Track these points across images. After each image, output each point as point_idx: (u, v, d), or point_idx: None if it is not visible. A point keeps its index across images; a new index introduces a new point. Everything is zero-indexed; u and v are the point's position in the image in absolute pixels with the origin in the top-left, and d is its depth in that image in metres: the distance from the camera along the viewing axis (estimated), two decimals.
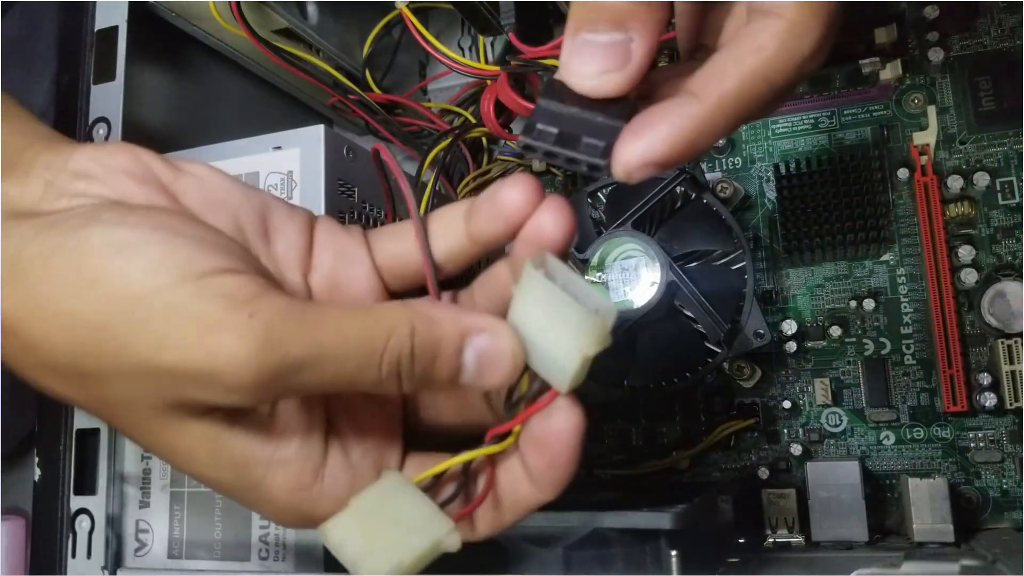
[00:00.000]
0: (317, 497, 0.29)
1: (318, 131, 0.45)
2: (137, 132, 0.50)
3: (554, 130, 0.28)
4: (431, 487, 0.29)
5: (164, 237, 0.27)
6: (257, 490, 0.28)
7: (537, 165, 0.63)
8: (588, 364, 0.27)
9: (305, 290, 0.32)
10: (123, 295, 0.25)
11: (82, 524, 0.47)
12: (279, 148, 0.46)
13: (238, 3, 0.50)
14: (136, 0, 0.51)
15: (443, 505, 0.28)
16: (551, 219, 0.29)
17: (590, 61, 0.28)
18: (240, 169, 0.47)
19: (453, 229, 0.32)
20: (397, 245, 0.33)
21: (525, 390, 0.28)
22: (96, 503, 0.47)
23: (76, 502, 0.48)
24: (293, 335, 0.25)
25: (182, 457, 0.28)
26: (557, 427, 0.28)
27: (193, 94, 0.57)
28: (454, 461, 0.29)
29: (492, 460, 0.29)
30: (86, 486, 0.48)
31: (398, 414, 0.33)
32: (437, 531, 0.27)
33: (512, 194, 0.30)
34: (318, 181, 0.45)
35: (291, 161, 0.45)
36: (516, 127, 0.60)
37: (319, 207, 0.44)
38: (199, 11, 0.52)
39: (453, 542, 0.27)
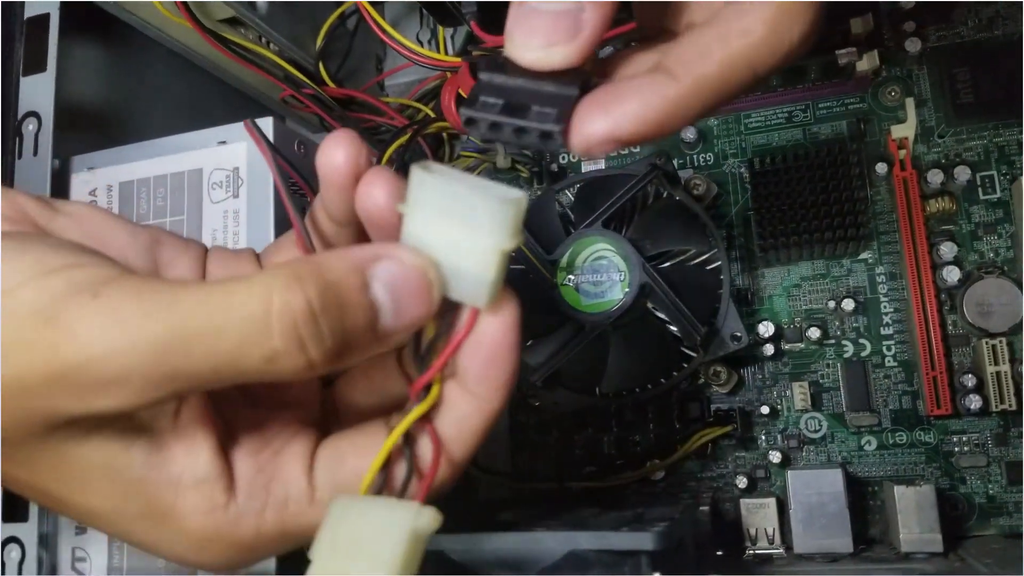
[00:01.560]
0: (236, 516, 0.25)
1: (266, 123, 0.42)
2: (70, 127, 0.46)
3: (500, 101, 0.25)
4: (382, 482, 0.26)
5: (16, 245, 0.23)
6: (168, 520, 0.24)
7: (501, 161, 0.60)
8: (506, 264, 0.24)
9: None
10: None
11: (11, 554, 0.43)
12: (224, 143, 0.43)
13: None
14: None
15: (403, 490, 0.26)
16: (378, 188, 0.26)
17: (537, 31, 0.25)
18: (182, 166, 0.43)
19: (319, 214, 0.30)
20: (286, 255, 0.30)
21: (434, 331, 0.25)
22: (27, 531, 0.43)
23: (5, 530, 0.44)
24: (146, 312, 0.21)
25: (79, 493, 0.25)
26: (489, 317, 0.25)
27: (132, 87, 0.54)
28: (389, 443, 0.26)
29: (427, 417, 0.26)
30: (16, 513, 0.44)
31: (307, 384, 0.30)
32: (405, 522, 0.23)
33: (327, 154, 0.27)
34: (267, 178, 0.41)
35: (237, 157, 0.42)
36: None
37: (267, 206, 0.41)
38: None
39: (427, 521, 0.24)
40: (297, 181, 0.38)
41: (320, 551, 0.23)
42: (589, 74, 0.26)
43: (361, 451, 0.27)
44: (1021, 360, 0.52)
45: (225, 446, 0.26)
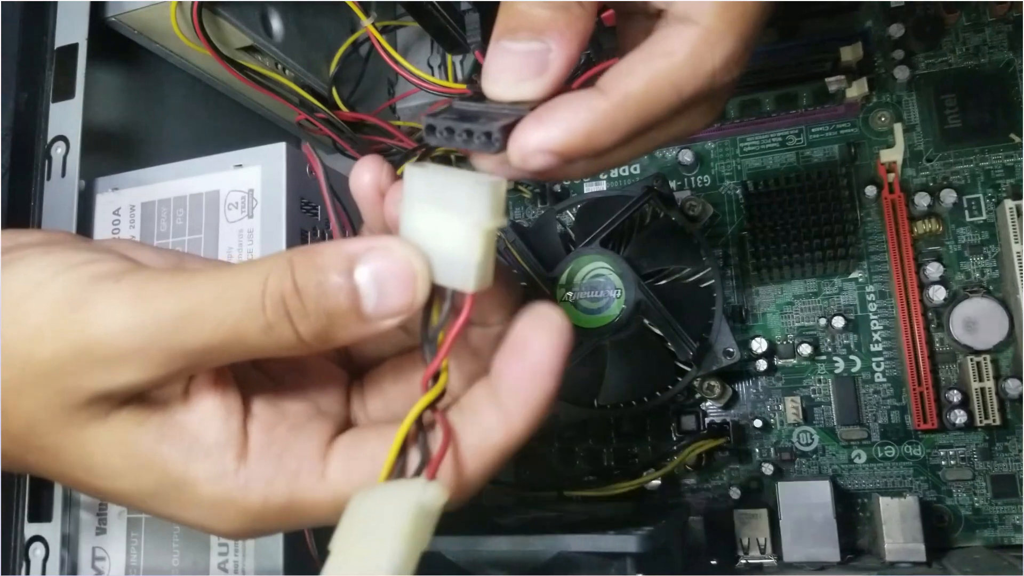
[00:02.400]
0: (245, 482, 0.27)
1: (279, 149, 0.45)
2: (96, 149, 0.49)
3: (459, 116, 0.28)
4: (399, 471, 0.26)
5: (41, 248, 0.27)
6: (181, 489, 0.27)
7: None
8: (492, 245, 0.25)
9: None
10: (7, 301, 0.26)
11: (36, 552, 0.46)
12: (240, 166, 0.45)
13: (201, 21, 0.50)
14: (97, 17, 0.50)
15: (417, 474, 0.26)
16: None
17: (508, 68, 0.28)
18: (200, 188, 0.46)
19: (365, 232, 0.32)
20: None
21: (437, 320, 0.26)
22: (51, 530, 0.46)
23: (30, 529, 0.46)
24: (163, 292, 0.25)
25: (99, 472, 0.27)
26: (542, 326, 0.25)
27: (155, 112, 0.56)
28: (402, 431, 0.26)
29: (435, 407, 0.27)
30: (41, 513, 0.46)
31: (331, 379, 0.32)
32: (412, 496, 0.24)
33: (357, 177, 0.29)
34: (279, 199, 0.44)
35: (252, 179, 0.45)
36: None
37: (280, 226, 0.44)
38: (161, 28, 0.52)
39: (433, 495, 0.24)
40: (325, 199, 0.40)
41: (338, 539, 0.24)
42: (543, 101, 0.28)
43: (383, 436, 0.28)
44: (1004, 376, 0.53)
45: (240, 416, 0.28)
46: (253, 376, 0.30)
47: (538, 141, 0.26)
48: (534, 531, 0.39)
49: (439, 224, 0.25)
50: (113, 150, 0.52)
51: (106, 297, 0.25)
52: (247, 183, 0.45)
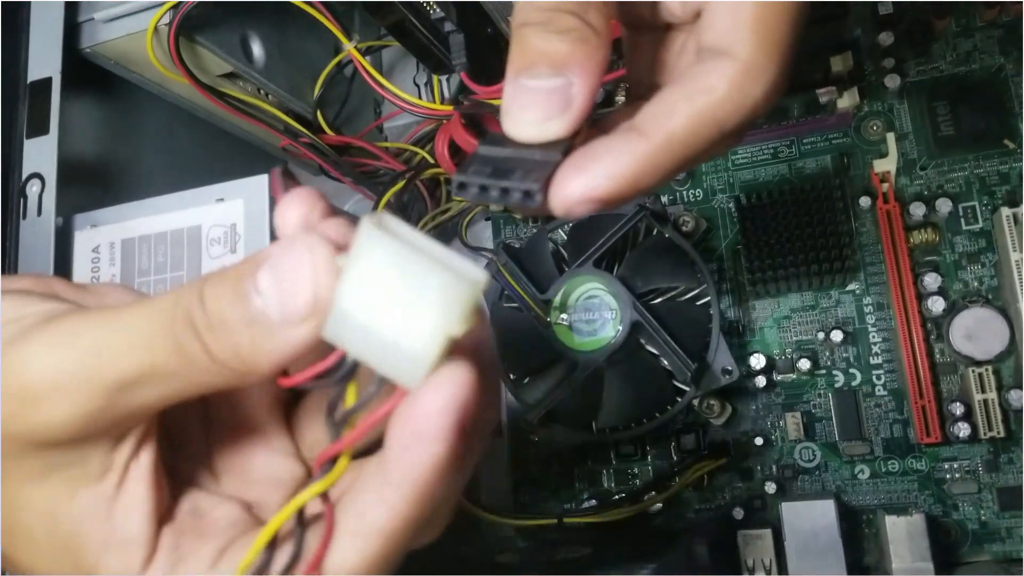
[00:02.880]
0: None
1: (262, 181, 0.44)
2: (74, 186, 0.48)
3: (489, 168, 0.27)
4: (263, 562, 0.23)
5: (5, 298, 0.26)
6: None
7: (494, 205, 0.62)
8: (449, 348, 0.21)
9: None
10: None
11: None
12: (222, 200, 0.44)
13: (178, 49, 0.48)
14: (71, 49, 0.49)
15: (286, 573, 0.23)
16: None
17: (530, 107, 0.26)
18: (182, 223, 0.45)
19: None
20: None
21: (352, 400, 0.23)
22: None
23: None
24: (88, 328, 0.24)
25: (19, 535, 0.26)
26: (434, 379, 0.22)
27: (135, 143, 0.55)
28: (275, 522, 0.23)
29: (326, 496, 0.23)
30: None
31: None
32: None
33: (280, 215, 0.26)
34: (263, 233, 0.43)
35: (234, 213, 0.44)
36: None
37: None
38: (138, 57, 0.50)
39: None
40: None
41: None
42: (571, 140, 0.27)
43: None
44: (1007, 387, 0.52)
45: (158, 517, 0.26)
46: (191, 471, 0.29)
47: (582, 190, 0.25)
48: (536, 571, 0.38)
49: (395, 309, 0.21)
50: (91, 185, 0.50)
51: (36, 338, 0.24)
52: (229, 217, 0.43)
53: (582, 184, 0.26)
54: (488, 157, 0.27)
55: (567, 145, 0.27)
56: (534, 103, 0.26)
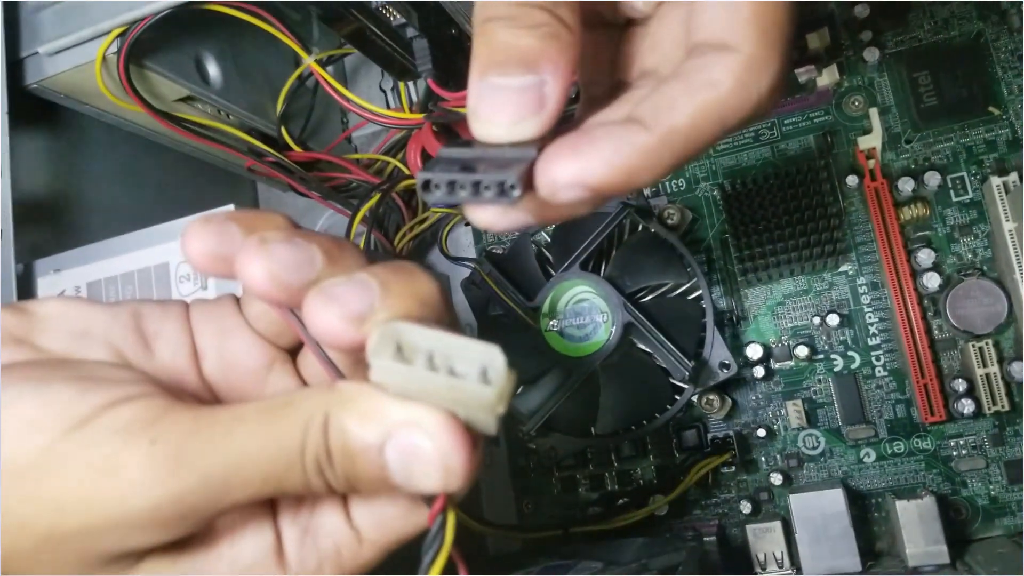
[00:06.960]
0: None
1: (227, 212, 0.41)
2: (32, 230, 0.46)
3: (457, 166, 0.24)
4: None
5: (34, 389, 0.23)
6: None
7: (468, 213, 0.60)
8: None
9: (204, 387, 0.28)
10: (9, 470, 0.22)
11: None
12: None
13: (129, 78, 0.46)
14: (16, 86, 0.46)
15: None
16: (251, 265, 0.24)
17: (502, 108, 0.24)
18: (149, 261, 0.43)
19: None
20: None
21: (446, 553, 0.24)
22: None
23: None
24: (204, 452, 0.22)
25: None
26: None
27: (95, 177, 0.53)
28: None
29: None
30: None
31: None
32: None
33: (189, 256, 0.25)
34: None
35: None
36: None
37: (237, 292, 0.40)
38: (89, 89, 0.48)
39: None
40: None
41: None
42: (543, 140, 0.25)
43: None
44: (1008, 360, 0.51)
45: (269, 518, 0.26)
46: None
47: (574, 173, 0.24)
48: None
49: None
50: (51, 227, 0.48)
51: (140, 462, 0.22)
52: None
53: (576, 167, 0.24)
54: (455, 157, 0.25)
55: (539, 144, 0.25)
56: (506, 103, 0.24)
